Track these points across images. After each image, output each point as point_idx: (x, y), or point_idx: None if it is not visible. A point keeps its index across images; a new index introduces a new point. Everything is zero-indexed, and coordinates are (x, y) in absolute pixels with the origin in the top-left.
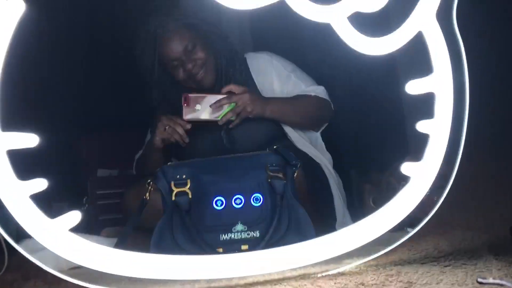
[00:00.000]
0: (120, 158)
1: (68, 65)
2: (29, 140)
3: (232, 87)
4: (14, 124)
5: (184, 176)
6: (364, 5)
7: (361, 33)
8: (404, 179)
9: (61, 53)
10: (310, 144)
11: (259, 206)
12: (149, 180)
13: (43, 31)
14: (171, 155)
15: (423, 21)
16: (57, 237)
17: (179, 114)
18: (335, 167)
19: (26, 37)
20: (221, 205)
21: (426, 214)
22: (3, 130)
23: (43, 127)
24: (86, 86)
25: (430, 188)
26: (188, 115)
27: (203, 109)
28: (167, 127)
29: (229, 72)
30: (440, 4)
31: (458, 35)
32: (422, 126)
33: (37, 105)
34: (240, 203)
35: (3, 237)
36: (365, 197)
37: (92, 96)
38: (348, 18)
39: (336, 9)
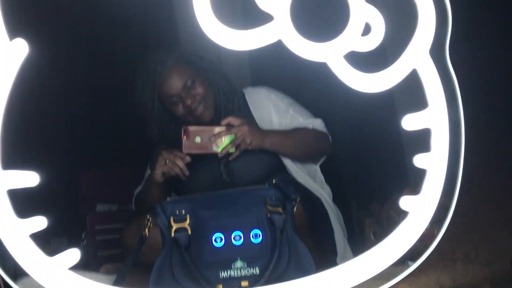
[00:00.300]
0: (120, 192)
1: (69, 102)
2: (29, 178)
3: (231, 120)
4: (14, 161)
5: (183, 212)
6: (359, 44)
7: (357, 69)
8: (404, 212)
9: (61, 90)
10: (309, 177)
11: (258, 242)
12: (148, 216)
13: (44, 70)
14: (171, 190)
15: (417, 58)
16: (56, 276)
17: (179, 148)
18: (334, 200)
19: (27, 76)
20: (220, 241)
21: (427, 247)
22: (4, 168)
23: (43, 164)
24: (86, 122)
25: (430, 221)
26: (188, 148)
27: (203, 141)
28: (167, 161)
29: (228, 107)
30: (433, 41)
31: (452, 70)
32: (419, 160)
33: (37, 141)
34: (239, 240)
35: (0, 275)
36: (366, 230)
37: (92, 132)
38: (344, 56)
39: (332, 48)
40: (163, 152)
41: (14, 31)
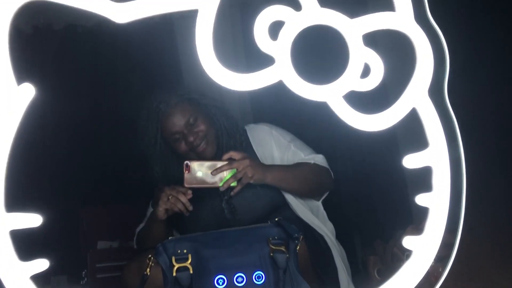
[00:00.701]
0: (121, 229)
1: (71, 140)
2: (32, 220)
3: (232, 154)
4: (16, 203)
5: (185, 251)
6: (358, 85)
7: (357, 108)
8: (408, 250)
9: (63, 128)
10: (312, 213)
11: (261, 284)
12: (149, 255)
13: (47, 111)
14: (173, 228)
15: (416, 98)
16: None
17: (181, 185)
18: (338, 237)
19: (31, 118)
20: (223, 283)
21: (432, 286)
22: (7, 211)
23: (44, 201)
24: (88, 159)
25: (436, 259)
26: (189, 182)
27: (205, 175)
28: (170, 197)
29: (230, 144)
30: (432, 81)
31: (450, 109)
32: (421, 199)
33: (39, 179)
34: (242, 282)
35: None
36: (370, 269)
37: (93, 169)
38: (344, 95)
39: (332, 89)
40: (165, 189)
41: (21, 75)
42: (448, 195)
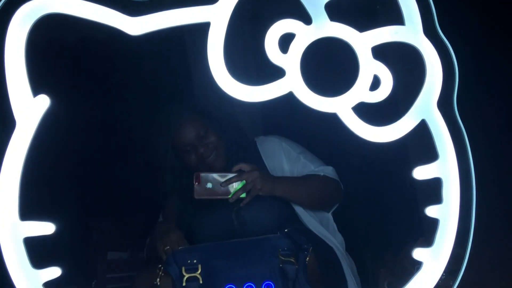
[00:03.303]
0: (131, 240)
1: (82, 151)
2: (45, 228)
3: (242, 166)
4: (31, 212)
5: (195, 261)
6: (367, 96)
7: (366, 120)
8: (418, 263)
9: (75, 140)
10: (321, 225)
11: None
12: (160, 265)
13: (60, 123)
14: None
15: (425, 109)
16: None
17: (191, 196)
18: (347, 249)
19: (44, 129)
20: None
21: None
22: (22, 219)
23: (55, 213)
24: (99, 170)
25: (445, 272)
26: (199, 194)
27: (214, 187)
28: (166, 248)
29: (240, 156)
30: (441, 93)
31: (460, 122)
32: (431, 211)
33: (51, 190)
34: None
35: None
36: (380, 281)
37: (104, 180)
38: (353, 107)
39: (341, 101)
40: (159, 244)
41: (36, 87)
42: (457, 207)
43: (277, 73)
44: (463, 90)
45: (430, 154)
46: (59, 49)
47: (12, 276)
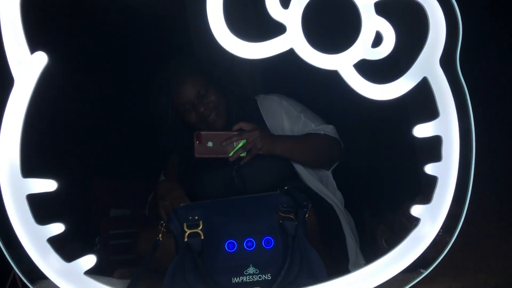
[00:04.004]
0: (133, 198)
1: (83, 111)
2: (47, 185)
3: (242, 125)
4: (32, 170)
5: (196, 217)
6: (369, 53)
7: (368, 77)
8: (416, 220)
9: (76, 100)
10: (321, 183)
11: (270, 248)
12: (161, 222)
13: (60, 80)
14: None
15: (428, 67)
16: (73, 280)
17: (192, 155)
18: (346, 206)
19: (44, 87)
20: (233, 247)
21: (439, 254)
22: (24, 176)
23: (59, 171)
24: (101, 129)
25: (442, 229)
26: (199, 152)
27: (215, 146)
28: (167, 203)
29: (240, 115)
30: (444, 50)
31: (462, 79)
32: (430, 169)
33: (53, 149)
34: (251, 246)
35: (19, 277)
36: (378, 237)
37: (106, 139)
38: (355, 64)
39: (343, 58)
40: (165, 197)
41: (33, 44)
42: (457, 165)
43: (277, 29)
44: (466, 48)
45: (430, 112)
46: (56, 6)
47: (17, 232)
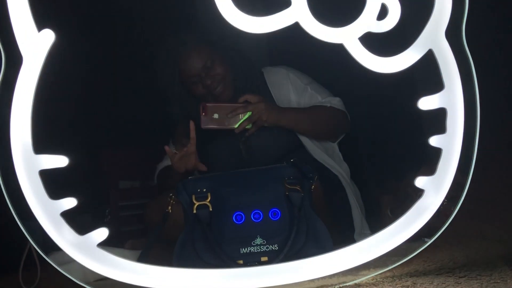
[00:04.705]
0: (142, 169)
1: (90, 83)
2: (59, 161)
3: (248, 97)
4: (44, 146)
5: (204, 190)
6: (374, 26)
7: (373, 50)
8: (420, 190)
9: (83, 73)
10: (327, 154)
11: (277, 220)
12: (171, 194)
13: (67, 55)
14: None
15: (433, 39)
16: (87, 252)
17: (198, 126)
18: (352, 177)
19: (51, 63)
20: (240, 219)
21: (443, 224)
22: (36, 153)
23: (67, 143)
24: (108, 101)
25: (447, 198)
26: (205, 123)
27: (220, 117)
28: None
29: (247, 87)
30: (449, 22)
31: (468, 52)
32: (434, 140)
33: (61, 122)
34: (258, 218)
35: (35, 249)
36: (383, 207)
37: (113, 110)
38: (360, 37)
39: (348, 31)
40: (171, 157)
41: (40, 22)
42: (461, 137)
43: (283, 3)
44: (472, 20)
45: (435, 84)
46: None
47: (31, 206)
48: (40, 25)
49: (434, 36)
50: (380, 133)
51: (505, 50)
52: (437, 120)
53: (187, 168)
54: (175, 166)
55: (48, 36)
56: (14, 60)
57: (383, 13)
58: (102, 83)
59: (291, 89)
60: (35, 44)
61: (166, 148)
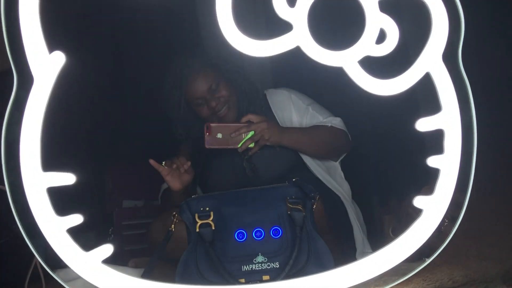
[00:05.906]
0: (145, 188)
1: (97, 103)
2: (66, 178)
3: (250, 117)
4: (52, 164)
5: (207, 208)
6: (373, 50)
7: (372, 73)
8: (420, 210)
9: (90, 92)
10: (328, 174)
11: (278, 238)
12: (174, 213)
13: (76, 76)
14: (196, 185)
15: (430, 62)
16: (91, 268)
17: (202, 145)
18: (354, 196)
19: (61, 83)
20: (242, 237)
21: (443, 244)
22: (44, 170)
23: (71, 163)
24: (113, 121)
25: (447, 218)
26: (210, 143)
27: (224, 137)
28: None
29: (250, 109)
30: (446, 45)
31: (464, 74)
32: (432, 161)
33: (69, 144)
34: (260, 236)
35: (41, 265)
36: (385, 227)
37: (118, 130)
38: (359, 61)
39: (347, 55)
40: (163, 171)
41: (51, 44)
42: (458, 157)
43: (285, 28)
44: (469, 43)
45: (433, 106)
46: (69, 5)
47: (38, 223)
48: (51, 47)
49: (431, 59)
50: (381, 153)
51: (501, 73)
52: (435, 141)
53: (183, 185)
54: (166, 181)
55: (59, 58)
56: (26, 81)
57: (381, 37)
58: (109, 104)
59: (293, 110)
60: (46, 65)
61: (151, 160)
